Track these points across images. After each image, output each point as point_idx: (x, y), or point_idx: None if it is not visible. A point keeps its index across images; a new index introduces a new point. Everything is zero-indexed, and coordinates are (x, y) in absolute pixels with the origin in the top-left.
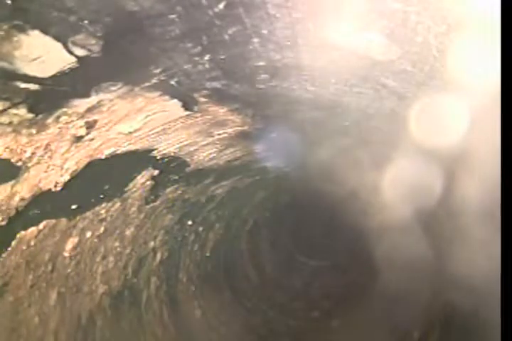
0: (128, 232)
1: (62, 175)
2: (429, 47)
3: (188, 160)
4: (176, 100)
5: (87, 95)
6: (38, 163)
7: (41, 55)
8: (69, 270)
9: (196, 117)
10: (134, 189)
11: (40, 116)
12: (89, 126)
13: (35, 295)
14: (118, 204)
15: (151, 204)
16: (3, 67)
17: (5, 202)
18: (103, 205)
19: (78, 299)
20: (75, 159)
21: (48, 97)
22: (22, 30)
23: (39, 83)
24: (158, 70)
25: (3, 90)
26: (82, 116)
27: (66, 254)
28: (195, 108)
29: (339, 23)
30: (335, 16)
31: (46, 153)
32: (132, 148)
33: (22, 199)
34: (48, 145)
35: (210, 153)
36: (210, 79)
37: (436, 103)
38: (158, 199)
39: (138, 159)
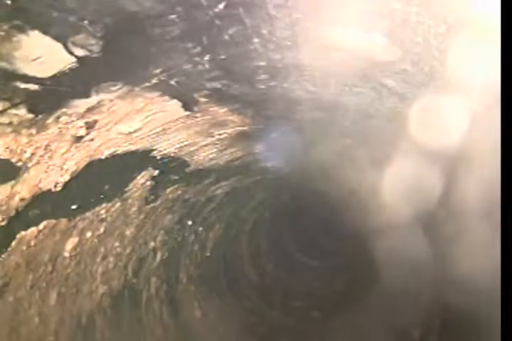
0: (128, 232)
1: (62, 176)
2: (429, 48)
3: (188, 160)
4: (175, 100)
5: (87, 95)
6: (38, 163)
7: (41, 55)
8: (69, 270)
9: (196, 117)
10: (134, 189)
11: (40, 116)
12: (89, 126)
13: (35, 295)
14: (118, 204)
15: (151, 205)
16: (3, 67)
17: (5, 202)
18: (103, 205)
19: (78, 299)
20: (75, 159)
21: (48, 97)
22: (22, 30)
23: (39, 83)
24: (158, 70)
25: (3, 90)
26: (82, 116)
27: (66, 254)
28: (195, 108)
29: (339, 23)
30: (335, 17)
31: (46, 153)
32: (132, 148)
33: (22, 199)
34: (47, 145)
35: (210, 153)
36: (210, 79)
37: (437, 103)
38: (158, 200)
39: (138, 159)
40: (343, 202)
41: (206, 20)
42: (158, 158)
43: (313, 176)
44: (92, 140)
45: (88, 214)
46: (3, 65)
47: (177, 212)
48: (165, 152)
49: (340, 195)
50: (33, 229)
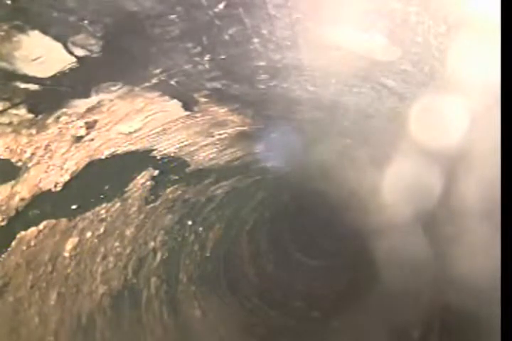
0: (128, 232)
1: (62, 175)
2: (429, 48)
3: (188, 160)
4: (175, 100)
5: (87, 95)
6: (38, 163)
7: (41, 55)
8: (69, 270)
9: (196, 117)
10: (134, 189)
11: (40, 116)
12: (89, 126)
13: (35, 295)
14: (118, 204)
15: (151, 205)
16: (3, 67)
17: (5, 202)
18: (103, 205)
19: (78, 299)
20: (75, 159)
21: (48, 97)
22: (22, 30)
23: (39, 83)
24: (158, 70)
25: (3, 90)
26: (82, 116)
27: (66, 254)
28: (195, 108)
29: (339, 23)
30: (335, 16)
31: (46, 153)
32: (132, 148)
33: (22, 199)
34: (47, 145)
35: (210, 153)
36: (210, 79)
37: (437, 103)
38: (158, 200)
39: (138, 159)
40: (343, 202)
41: (206, 20)
42: (158, 158)
43: (313, 176)
44: (92, 140)
45: (88, 214)
46: (3, 64)
47: (177, 212)
48: (165, 152)
49: (340, 195)
50: (33, 229)
